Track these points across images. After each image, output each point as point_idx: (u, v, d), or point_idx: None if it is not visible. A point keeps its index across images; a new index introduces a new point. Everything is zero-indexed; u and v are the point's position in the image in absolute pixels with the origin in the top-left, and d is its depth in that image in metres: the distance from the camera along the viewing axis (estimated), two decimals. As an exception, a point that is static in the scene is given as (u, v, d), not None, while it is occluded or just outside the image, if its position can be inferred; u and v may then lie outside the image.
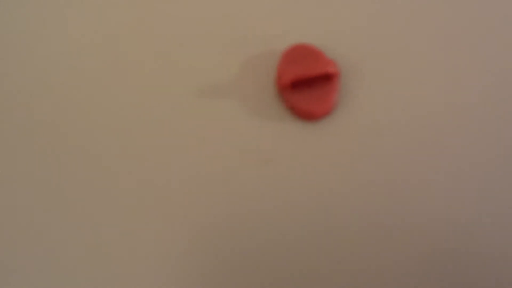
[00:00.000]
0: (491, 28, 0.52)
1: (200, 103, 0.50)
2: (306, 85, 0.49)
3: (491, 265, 0.47)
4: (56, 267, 0.47)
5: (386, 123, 0.49)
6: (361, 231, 0.47)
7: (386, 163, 0.48)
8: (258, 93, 0.51)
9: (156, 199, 0.48)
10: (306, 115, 0.48)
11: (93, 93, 0.51)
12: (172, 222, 0.48)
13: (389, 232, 0.47)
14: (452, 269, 0.47)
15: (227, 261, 0.47)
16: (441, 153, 0.49)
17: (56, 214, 0.48)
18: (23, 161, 0.49)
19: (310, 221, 0.48)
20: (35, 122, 0.50)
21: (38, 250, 0.47)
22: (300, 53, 0.50)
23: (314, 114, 0.48)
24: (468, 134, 0.49)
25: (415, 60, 0.51)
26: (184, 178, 0.49)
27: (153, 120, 0.50)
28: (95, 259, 0.47)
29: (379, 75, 0.51)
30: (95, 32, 0.52)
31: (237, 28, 0.52)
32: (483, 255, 0.47)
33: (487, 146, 0.49)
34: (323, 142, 0.49)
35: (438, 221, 0.47)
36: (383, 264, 0.47)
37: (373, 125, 0.49)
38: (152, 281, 0.46)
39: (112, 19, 0.53)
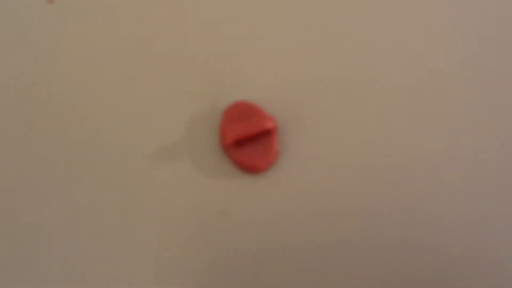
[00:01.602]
0: (427, 76, 0.56)
1: (150, 163, 0.53)
2: (248, 140, 0.52)
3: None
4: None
5: (324, 171, 0.53)
6: (306, 274, 0.51)
7: (325, 207, 0.52)
8: (205, 150, 0.54)
9: (117, 260, 0.51)
10: (251, 169, 0.52)
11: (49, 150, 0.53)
12: (135, 282, 0.50)
13: (335, 279, 0.51)
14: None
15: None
16: (377, 198, 0.52)
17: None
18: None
19: (261, 264, 0.51)
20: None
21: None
22: (241, 109, 0.53)
23: (258, 168, 0.52)
24: (404, 181, 0.53)
25: (349, 111, 0.55)
26: (139, 236, 0.51)
27: (104, 183, 0.52)
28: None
29: (316, 127, 0.54)
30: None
31: (180, 87, 0.55)
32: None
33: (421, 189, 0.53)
34: (268, 192, 0.52)
35: (380, 265, 0.51)
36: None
37: (313, 174, 0.53)
38: None
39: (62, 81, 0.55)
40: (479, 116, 0.54)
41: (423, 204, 0.52)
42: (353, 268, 0.51)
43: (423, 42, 0.56)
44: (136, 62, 0.56)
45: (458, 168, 0.53)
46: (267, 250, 0.51)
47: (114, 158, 0.53)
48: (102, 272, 0.51)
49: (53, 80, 0.55)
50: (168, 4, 0.57)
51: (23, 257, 0.52)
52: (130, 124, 0.54)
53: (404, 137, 0.54)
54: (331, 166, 0.53)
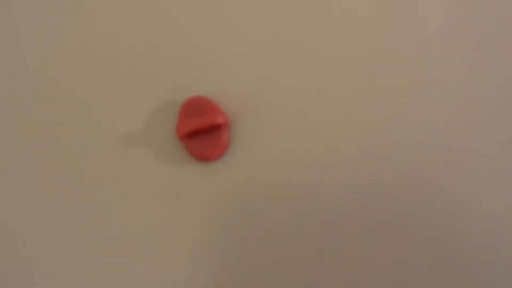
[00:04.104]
0: (379, 69, 0.62)
1: (110, 151, 0.59)
2: (201, 133, 0.58)
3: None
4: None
5: (271, 161, 0.59)
6: (259, 258, 0.57)
7: (271, 194, 0.58)
8: (162, 140, 0.60)
9: (80, 244, 0.57)
10: (203, 158, 0.58)
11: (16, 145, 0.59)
12: (96, 268, 0.56)
13: (284, 264, 0.57)
14: None
15: None
16: (326, 188, 0.59)
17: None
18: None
19: (212, 249, 0.57)
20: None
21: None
22: (197, 104, 0.59)
23: (209, 157, 0.58)
24: (358, 172, 0.59)
25: (296, 107, 0.61)
26: (97, 221, 0.57)
27: (63, 170, 0.58)
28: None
29: (265, 122, 0.60)
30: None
31: (142, 81, 0.61)
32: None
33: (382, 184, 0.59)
34: (218, 179, 0.58)
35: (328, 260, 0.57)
36: None
37: (258, 164, 0.59)
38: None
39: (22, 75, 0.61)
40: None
41: (371, 192, 0.59)
42: (302, 252, 0.57)
43: (394, 34, 0.62)
44: (97, 54, 0.61)
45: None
46: (215, 231, 0.57)
47: (75, 147, 0.59)
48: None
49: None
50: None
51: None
52: (91, 113, 0.60)
53: (348, 130, 0.60)
54: (276, 157, 0.59)
